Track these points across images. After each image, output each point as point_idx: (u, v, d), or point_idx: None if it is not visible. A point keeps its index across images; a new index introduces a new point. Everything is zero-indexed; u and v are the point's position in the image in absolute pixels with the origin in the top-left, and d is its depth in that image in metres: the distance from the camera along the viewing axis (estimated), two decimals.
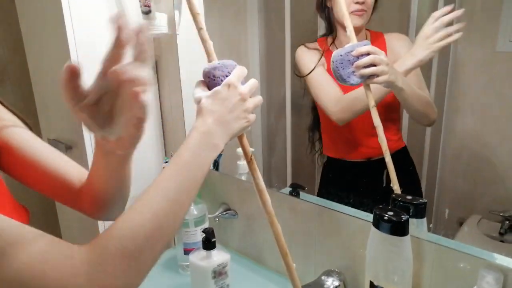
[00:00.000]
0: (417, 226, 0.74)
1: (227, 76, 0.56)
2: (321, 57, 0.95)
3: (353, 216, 0.83)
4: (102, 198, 0.61)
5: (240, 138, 0.62)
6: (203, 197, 1.11)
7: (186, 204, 0.49)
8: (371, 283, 0.75)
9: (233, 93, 0.54)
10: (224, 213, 1.07)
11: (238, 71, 0.56)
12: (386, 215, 0.68)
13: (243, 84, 0.57)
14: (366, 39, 0.92)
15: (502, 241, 0.79)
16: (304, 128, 1.28)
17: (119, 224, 0.43)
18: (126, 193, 0.63)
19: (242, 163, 1.09)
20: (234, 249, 1.11)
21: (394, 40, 0.91)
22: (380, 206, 0.71)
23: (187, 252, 0.99)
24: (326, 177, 1.07)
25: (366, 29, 0.92)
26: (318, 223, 0.90)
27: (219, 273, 0.88)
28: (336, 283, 0.79)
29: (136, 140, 0.45)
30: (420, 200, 0.73)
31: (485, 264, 0.65)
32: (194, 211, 1.01)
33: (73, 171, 0.62)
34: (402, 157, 0.92)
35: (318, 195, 1.04)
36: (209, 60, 0.58)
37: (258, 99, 0.59)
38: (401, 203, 0.74)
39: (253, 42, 1.24)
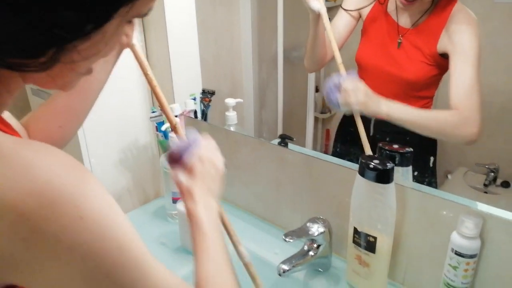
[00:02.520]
0: (402, 175, 0.75)
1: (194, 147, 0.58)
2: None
3: (340, 165, 0.84)
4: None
5: None
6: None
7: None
8: (355, 229, 0.76)
9: (208, 166, 0.58)
10: None
11: (205, 143, 0.60)
12: (372, 163, 0.69)
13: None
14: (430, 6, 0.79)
15: (485, 192, 0.81)
16: (296, 80, 1.26)
17: None
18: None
19: (231, 114, 1.08)
20: (223, 199, 1.13)
21: (460, 18, 0.76)
22: (367, 154, 0.72)
23: (175, 201, 1.00)
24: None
25: None
26: (305, 172, 0.90)
27: None
28: (321, 229, 0.80)
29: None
30: (406, 149, 0.74)
31: (466, 210, 0.67)
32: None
33: None
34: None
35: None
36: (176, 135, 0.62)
37: (220, 158, 0.62)
38: (387, 152, 0.74)
39: None
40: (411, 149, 0.74)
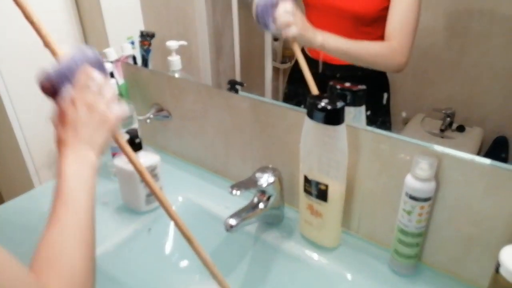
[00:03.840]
0: (355, 116, 0.69)
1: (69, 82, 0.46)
2: None
3: (289, 109, 0.76)
4: None
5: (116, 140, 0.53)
6: (132, 97, 1.00)
7: (92, 240, 0.44)
8: (305, 177, 0.70)
9: (83, 110, 0.46)
10: (156, 114, 0.98)
11: (81, 76, 0.47)
12: (320, 103, 0.61)
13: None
14: None
15: (442, 137, 0.78)
16: (253, 28, 1.15)
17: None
18: None
19: (175, 58, 0.98)
20: (170, 151, 1.04)
21: None
22: (315, 94, 0.64)
23: (115, 156, 0.91)
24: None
25: None
26: (254, 119, 0.83)
27: None
28: (271, 179, 0.74)
29: None
30: (359, 86, 0.67)
31: (420, 150, 0.62)
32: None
33: None
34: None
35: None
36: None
37: (111, 92, 0.50)
38: (338, 91, 0.67)
39: None
40: (364, 87, 0.67)
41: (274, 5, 0.66)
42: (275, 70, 1.14)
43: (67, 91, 0.46)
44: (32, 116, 0.98)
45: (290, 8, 0.66)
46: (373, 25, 0.77)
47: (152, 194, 0.57)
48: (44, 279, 0.36)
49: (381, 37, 0.76)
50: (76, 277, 0.38)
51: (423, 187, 0.59)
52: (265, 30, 0.68)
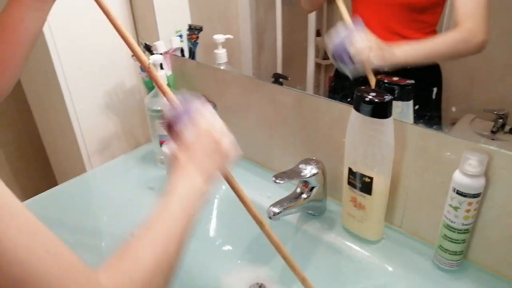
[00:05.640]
0: (402, 110, 0.69)
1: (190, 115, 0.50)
2: None
3: (334, 102, 0.77)
4: None
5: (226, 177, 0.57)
6: (179, 89, 1.04)
7: (176, 255, 0.43)
8: (350, 170, 0.71)
9: (206, 138, 0.50)
10: None
11: (204, 111, 0.51)
12: (368, 96, 0.62)
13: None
14: None
15: (492, 139, 0.75)
16: (296, 23, 1.16)
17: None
18: None
19: (221, 51, 1.00)
20: None
21: None
22: (363, 87, 0.65)
23: (162, 144, 0.95)
24: None
25: None
26: (298, 112, 0.84)
27: None
28: (314, 171, 0.75)
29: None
30: (407, 81, 0.66)
31: (470, 147, 0.61)
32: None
33: None
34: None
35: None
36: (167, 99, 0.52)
37: (231, 136, 0.53)
38: (386, 84, 0.67)
39: None
40: (413, 81, 0.66)
41: (346, 42, 0.68)
42: (317, 66, 1.14)
43: (192, 126, 0.49)
44: (87, 107, 1.04)
45: (363, 41, 0.67)
46: (427, 12, 0.75)
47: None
48: (105, 273, 0.35)
49: (435, 24, 0.75)
50: (139, 282, 0.37)
51: (472, 184, 0.59)
52: (344, 68, 0.70)
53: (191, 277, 0.76)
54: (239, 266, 0.83)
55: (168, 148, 0.50)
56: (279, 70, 1.18)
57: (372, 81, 0.71)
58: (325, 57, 1.14)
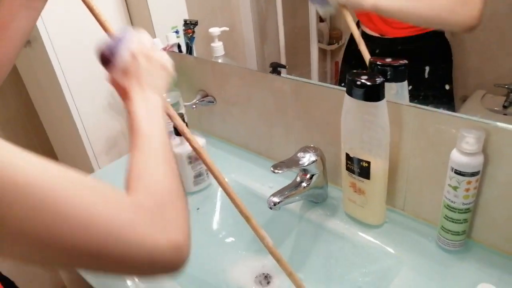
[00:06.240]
0: (397, 91, 0.67)
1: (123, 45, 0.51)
2: None
3: (331, 88, 0.76)
4: None
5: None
6: (179, 85, 1.04)
7: (173, 162, 0.47)
8: (347, 155, 0.71)
9: (143, 61, 0.51)
10: (201, 100, 1.02)
11: (135, 38, 0.53)
12: (359, 79, 0.61)
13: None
14: None
15: (505, 114, 0.73)
16: (297, 9, 1.14)
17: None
18: None
19: (217, 44, 1.00)
20: (216, 135, 1.08)
21: None
22: (355, 71, 0.64)
23: None
24: None
25: None
26: (296, 100, 0.83)
27: (195, 158, 0.85)
28: (313, 158, 0.75)
29: None
30: (400, 61, 0.65)
31: (468, 124, 0.59)
32: (167, 99, 0.95)
33: None
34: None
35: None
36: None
37: (163, 53, 0.55)
38: (378, 66, 0.66)
39: None
40: (405, 61, 0.65)
41: None
42: (322, 51, 1.12)
43: (126, 50, 0.51)
44: (89, 108, 1.06)
45: None
46: None
47: (209, 172, 0.61)
48: (133, 194, 0.39)
49: None
50: (160, 190, 0.41)
51: (469, 162, 0.58)
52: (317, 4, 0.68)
53: (197, 270, 0.77)
54: (244, 257, 0.84)
55: (109, 79, 0.52)
56: (283, 59, 1.17)
57: (351, 24, 0.70)
58: (330, 42, 1.13)
